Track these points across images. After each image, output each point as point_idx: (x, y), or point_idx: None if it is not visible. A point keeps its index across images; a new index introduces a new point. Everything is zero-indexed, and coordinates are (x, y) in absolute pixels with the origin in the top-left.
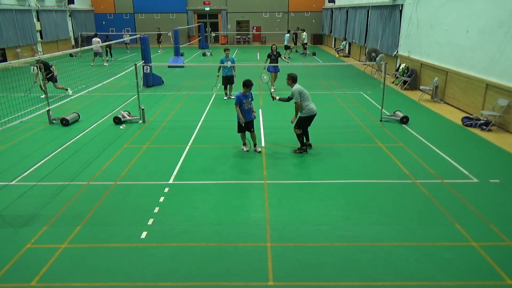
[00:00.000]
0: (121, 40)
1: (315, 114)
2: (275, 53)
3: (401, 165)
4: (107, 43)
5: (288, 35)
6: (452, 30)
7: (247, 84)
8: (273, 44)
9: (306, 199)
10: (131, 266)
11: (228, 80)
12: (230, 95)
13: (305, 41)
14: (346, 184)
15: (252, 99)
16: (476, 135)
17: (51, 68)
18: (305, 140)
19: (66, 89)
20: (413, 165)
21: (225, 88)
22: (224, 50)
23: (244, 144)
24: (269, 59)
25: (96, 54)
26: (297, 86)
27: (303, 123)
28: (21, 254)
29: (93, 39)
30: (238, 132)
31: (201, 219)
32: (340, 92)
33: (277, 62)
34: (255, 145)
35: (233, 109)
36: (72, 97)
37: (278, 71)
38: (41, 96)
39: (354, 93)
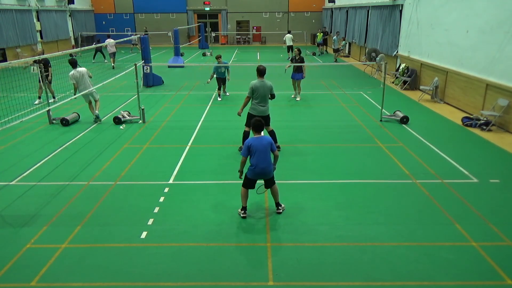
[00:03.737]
0: (128, 38)
1: (261, 116)
2: (297, 58)
3: (401, 165)
4: (96, 44)
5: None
6: (452, 30)
7: (255, 127)
8: (297, 48)
9: (306, 199)
10: (131, 266)
11: (222, 81)
12: (225, 92)
13: (290, 44)
14: (346, 184)
15: (271, 146)
16: (476, 135)
17: (49, 68)
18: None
19: (54, 97)
20: (413, 165)
21: (219, 89)
22: (216, 58)
23: (243, 209)
24: (291, 62)
25: (112, 54)
26: (255, 81)
27: (247, 120)
28: (21, 254)
29: (108, 40)
30: (243, 185)
31: (201, 219)
32: (340, 92)
33: (300, 69)
34: (277, 205)
35: (233, 108)
36: (72, 97)
37: (301, 78)
38: (50, 100)
39: (354, 93)
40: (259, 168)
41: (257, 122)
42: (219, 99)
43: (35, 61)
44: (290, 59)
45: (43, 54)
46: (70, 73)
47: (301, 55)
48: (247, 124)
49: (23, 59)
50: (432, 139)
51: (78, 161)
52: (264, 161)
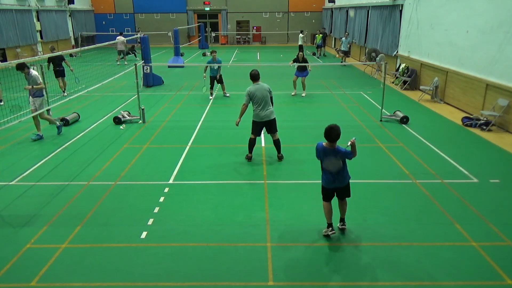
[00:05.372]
0: (132, 38)
1: (266, 122)
2: (301, 60)
3: (401, 165)
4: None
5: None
6: (452, 30)
7: (330, 137)
8: (300, 52)
9: (306, 199)
10: (131, 266)
11: (215, 80)
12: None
13: (301, 43)
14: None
15: (343, 155)
16: (476, 135)
17: (63, 63)
18: (277, 152)
19: (64, 91)
20: (413, 165)
21: (211, 88)
22: (211, 53)
23: (329, 225)
24: (294, 63)
25: (120, 52)
26: (250, 87)
27: (252, 127)
28: (21, 254)
29: (118, 38)
30: (323, 199)
31: (201, 219)
32: (340, 92)
33: (305, 68)
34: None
35: (233, 108)
36: (72, 97)
37: (306, 75)
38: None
39: (354, 93)
40: (326, 177)
41: (327, 130)
42: (210, 97)
43: (49, 59)
44: (293, 59)
45: (54, 50)
46: (36, 73)
47: (304, 57)
48: (252, 132)
49: (22, 59)
50: (432, 139)
51: (78, 161)
52: (332, 177)
